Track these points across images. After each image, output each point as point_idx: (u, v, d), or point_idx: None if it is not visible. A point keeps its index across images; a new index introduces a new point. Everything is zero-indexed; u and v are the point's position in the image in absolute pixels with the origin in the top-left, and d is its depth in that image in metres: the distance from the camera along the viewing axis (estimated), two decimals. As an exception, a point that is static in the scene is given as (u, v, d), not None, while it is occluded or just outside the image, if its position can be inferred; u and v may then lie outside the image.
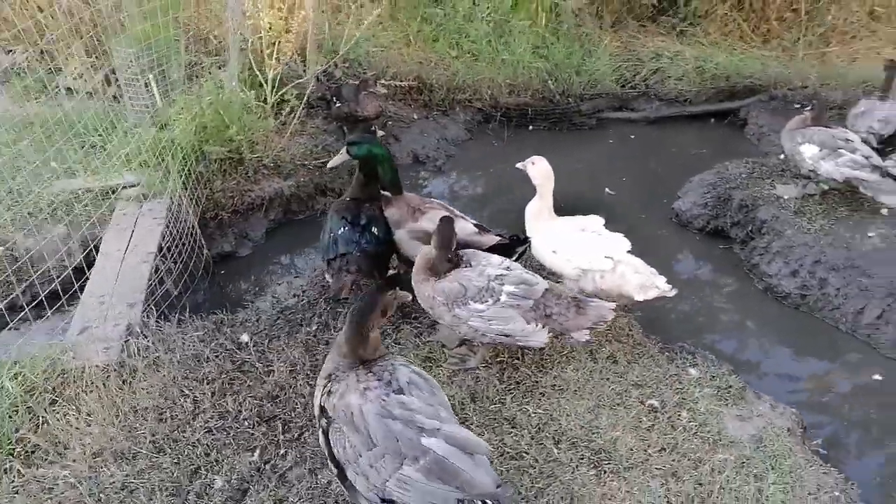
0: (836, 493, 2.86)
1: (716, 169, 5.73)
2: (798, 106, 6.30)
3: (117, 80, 5.61)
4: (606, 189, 6.00)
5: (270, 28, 6.09)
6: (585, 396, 3.24)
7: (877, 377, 3.88)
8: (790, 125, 5.09)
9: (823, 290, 4.39)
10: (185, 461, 2.90)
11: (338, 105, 6.02)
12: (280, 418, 3.13)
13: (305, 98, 5.83)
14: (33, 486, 2.77)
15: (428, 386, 2.35)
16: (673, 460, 2.93)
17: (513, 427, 3.07)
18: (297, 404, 3.21)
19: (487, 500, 2.21)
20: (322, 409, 2.38)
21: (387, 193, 3.91)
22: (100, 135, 5.11)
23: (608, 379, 3.37)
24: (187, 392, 3.25)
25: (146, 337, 3.55)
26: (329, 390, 2.36)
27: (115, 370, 3.33)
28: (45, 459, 2.91)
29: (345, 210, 3.87)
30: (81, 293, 3.88)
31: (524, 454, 2.93)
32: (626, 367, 3.45)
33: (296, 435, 3.05)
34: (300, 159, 5.70)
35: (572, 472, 2.84)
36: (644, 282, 3.63)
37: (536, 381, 3.34)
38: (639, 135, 7.16)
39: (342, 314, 3.81)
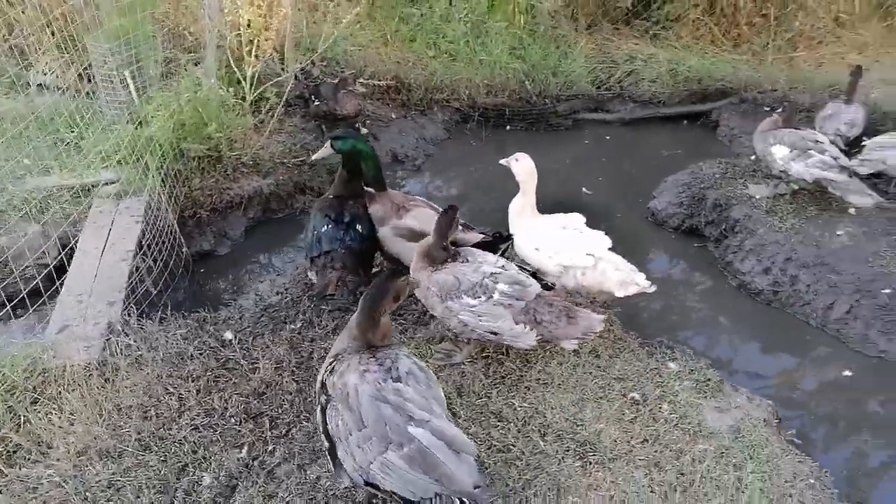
0: (812, 481, 2.96)
1: (690, 169, 5.84)
2: (768, 108, 6.42)
3: (91, 77, 5.53)
4: (583, 189, 6.09)
5: (250, 25, 6.04)
6: (569, 390, 3.30)
7: (847, 373, 4.01)
8: (762, 127, 5.23)
9: (794, 286, 4.52)
10: (172, 459, 2.88)
11: (316, 103, 6.01)
12: (267, 415, 3.13)
13: (284, 96, 5.81)
14: (17, 486, 2.73)
15: (426, 379, 2.38)
16: (655, 451, 3.00)
17: (499, 421, 3.11)
18: (283, 401, 3.21)
19: (464, 499, 2.23)
20: (323, 385, 2.41)
21: (370, 190, 3.93)
22: (73, 132, 5.04)
23: (591, 373, 3.43)
24: (172, 390, 3.23)
25: (127, 335, 3.52)
26: (332, 368, 2.41)
27: (96, 369, 3.29)
28: (28, 459, 2.87)
29: (328, 208, 3.88)
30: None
31: (511, 447, 2.97)
32: (608, 362, 3.52)
33: (283, 431, 3.05)
34: (279, 157, 5.68)
35: (558, 464, 2.90)
36: (624, 278, 3.71)
37: (521, 376, 3.39)
38: (614, 136, 7.27)
39: (326, 311, 3.81)
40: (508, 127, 7.34)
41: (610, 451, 2.97)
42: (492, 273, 3.18)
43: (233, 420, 3.09)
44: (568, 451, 2.97)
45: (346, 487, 2.67)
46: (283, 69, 6.38)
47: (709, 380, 3.47)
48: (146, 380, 3.27)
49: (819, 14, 8.11)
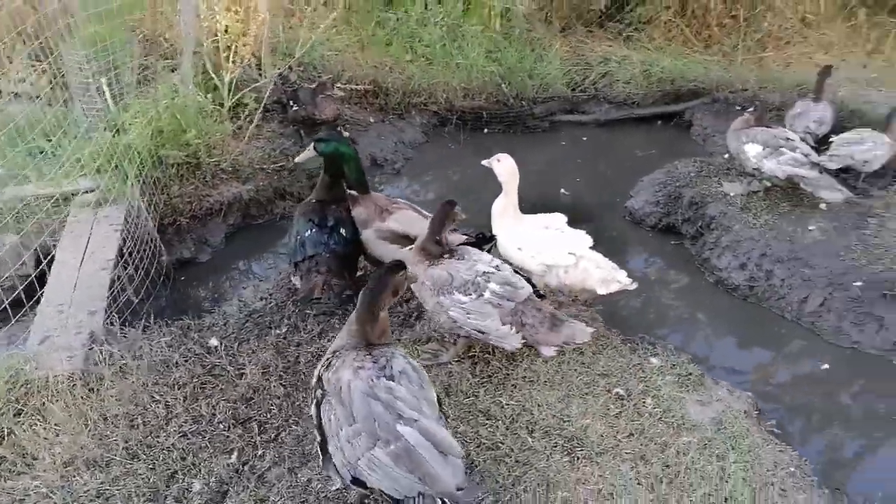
0: (792, 469, 3.04)
1: (665, 168, 5.94)
2: (739, 108, 6.60)
3: (66, 84, 5.46)
4: (562, 189, 6.17)
5: (227, 31, 6.02)
6: (555, 387, 3.35)
7: (825, 366, 4.11)
8: (734, 126, 5.34)
9: (770, 281, 4.63)
10: (160, 466, 2.87)
11: (295, 108, 6.01)
12: (255, 420, 3.13)
13: (263, 102, 5.80)
14: (3, 498, 2.70)
15: (419, 380, 2.41)
16: (641, 444, 3.06)
17: (487, 419, 3.15)
18: (271, 405, 3.21)
19: (447, 500, 2.24)
20: (319, 380, 2.44)
21: (353, 193, 3.95)
22: (49, 140, 4.98)
23: (576, 370, 3.48)
24: (158, 398, 3.21)
25: (110, 344, 3.49)
26: (329, 363, 2.43)
27: (80, 378, 3.25)
28: (13, 471, 2.83)
29: (311, 212, 3.89)
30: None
31: (500, 444, 3.01)
32: (592, 358, 3.58)
33: (272, 436, 3.06)
34: (258, 163, 5.66)
35: (547, 460, 2.94)
36: (606, 276, 3.78)
37: (508, 374, 3.43)
38: (590, 137, 7.37)
39: (311, 315, 3.82)
40: (486, 130, 7.40)
41: (597, 446, 3.02)
42: (485, 272, 3.23)
43: (221, 426, 3.09)
44: (556, 446, 3.02)
45: (336, 489, 2.68)
46: (260, 74, 6.37)
47: (690, 374, 3.55)
48: (132, 388, 3.25)
49: (786, 15, 8.30)
